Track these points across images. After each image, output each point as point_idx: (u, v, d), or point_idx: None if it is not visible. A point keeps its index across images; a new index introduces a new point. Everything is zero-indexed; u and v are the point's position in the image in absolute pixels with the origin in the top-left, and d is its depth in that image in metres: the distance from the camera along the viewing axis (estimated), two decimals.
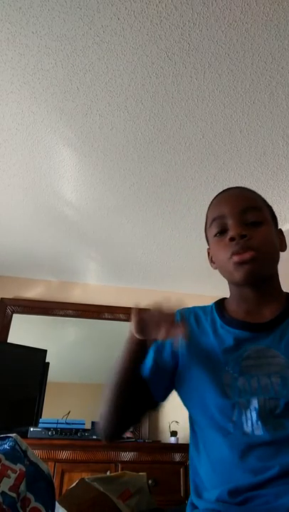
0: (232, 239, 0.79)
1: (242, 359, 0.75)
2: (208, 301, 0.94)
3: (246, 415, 0.70)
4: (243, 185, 0.97)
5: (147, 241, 2.69)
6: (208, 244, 0.92)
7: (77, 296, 3.27)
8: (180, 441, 2.62)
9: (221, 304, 0.90)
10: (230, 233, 0.79)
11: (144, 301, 3.34)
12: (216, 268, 0.89)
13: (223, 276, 0.86)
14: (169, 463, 2.29)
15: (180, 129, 1.78)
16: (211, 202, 0.92)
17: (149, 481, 1.20)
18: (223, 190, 0.92)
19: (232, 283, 0.85)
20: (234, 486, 0.66)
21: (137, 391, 0.82)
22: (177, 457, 2.31)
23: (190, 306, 0.94)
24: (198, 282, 3.22)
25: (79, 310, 3.20)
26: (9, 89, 1.58)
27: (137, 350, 0.76)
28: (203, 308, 0.92)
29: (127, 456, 2.27)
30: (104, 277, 3.26)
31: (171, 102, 1.64)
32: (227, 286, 0.89)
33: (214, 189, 2.17)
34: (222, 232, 0.83)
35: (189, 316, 0.89)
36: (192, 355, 0.81)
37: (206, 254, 0.94)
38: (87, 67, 1.49)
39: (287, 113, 1.69)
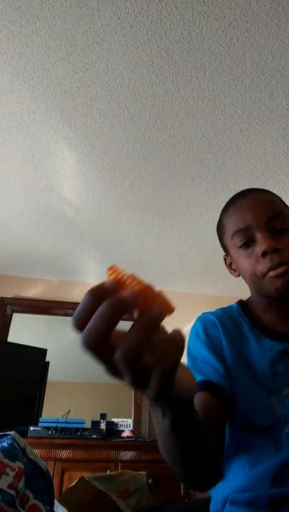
0: (264, 253, 0.75)
1: None
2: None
3: None
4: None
5: (147, 241, 2.69)
6: (226, 252, 0.88)
7: (77, 295, 3.27)
8: None
9: (246, 307, 0.87)
10: (262, 247, 0.74)
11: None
12: (237, 276, 0.86)
13: (250, 286, 0.84)
14: None
15: (180, 129, 1.78)
16: (227, 208, 0.85)
17: (149, 480, 1.20)
18: (239, 196, 0.85)
19: (261, 295, 0.83)
20: (273, 494, 0.64)
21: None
22: None
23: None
24: (198, 282, 3.21)
25: None
26: (9, 88, 1.58)
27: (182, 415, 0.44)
28: (230, 309, 0.88)
29: (126, 455, 2.27)
30: (104, 277, 3.24)
31: (171, 101, 1.64)
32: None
33: (214, 189, 2.17)
34: (247, 243, 0.78)
35: (223, 319, 0.83)
36: (237, 362, 0.77)
37: (223, 260, 0.90)
38: (87, 66, 1.49)
39: (288, 112, 1.69)
